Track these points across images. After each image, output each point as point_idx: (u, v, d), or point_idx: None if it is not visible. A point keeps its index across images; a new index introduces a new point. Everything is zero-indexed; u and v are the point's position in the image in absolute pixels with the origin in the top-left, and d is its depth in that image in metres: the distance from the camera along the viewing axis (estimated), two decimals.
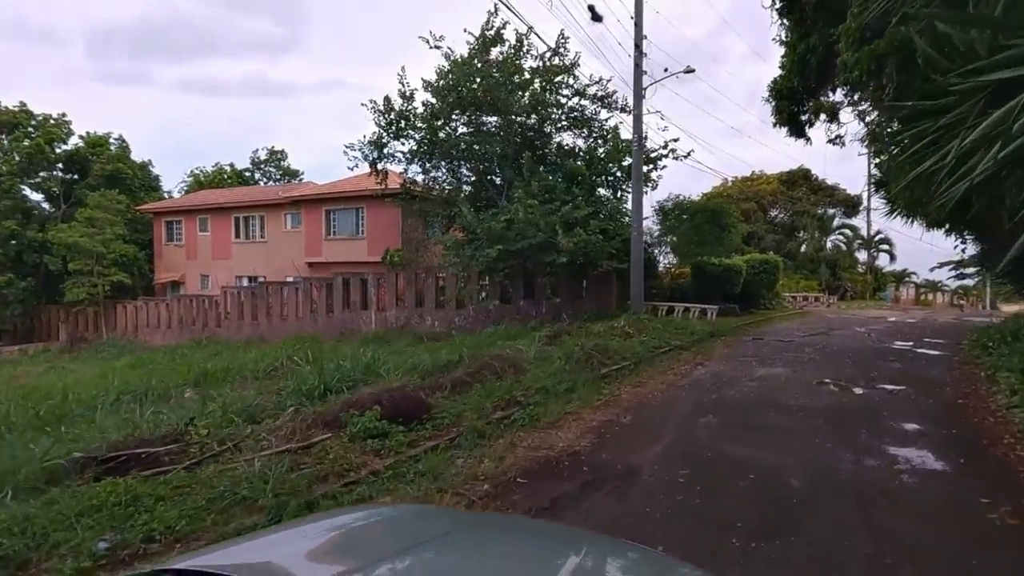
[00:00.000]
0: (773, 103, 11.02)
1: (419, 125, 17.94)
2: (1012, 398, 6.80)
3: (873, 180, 13.95)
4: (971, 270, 56.28)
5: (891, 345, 13.10)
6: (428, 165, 19.18)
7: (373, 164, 18.45)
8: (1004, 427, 6.17)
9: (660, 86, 16.00)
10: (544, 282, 16.14)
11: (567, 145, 18.65)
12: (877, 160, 11.85)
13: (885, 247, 36.71)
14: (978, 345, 10.89)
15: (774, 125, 11.66)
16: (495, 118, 17.89)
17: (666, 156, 17.69)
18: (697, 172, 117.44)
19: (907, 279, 43.19)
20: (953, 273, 50.90)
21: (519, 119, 18.05)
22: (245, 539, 2.11)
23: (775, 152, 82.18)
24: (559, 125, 18.46)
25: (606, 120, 18.20)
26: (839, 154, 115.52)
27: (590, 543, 1.85)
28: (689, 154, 17.22)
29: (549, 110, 17.83)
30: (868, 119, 8.71)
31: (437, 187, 19.50)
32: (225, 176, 37.41)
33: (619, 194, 18.41)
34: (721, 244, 17.21)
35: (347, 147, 18.04)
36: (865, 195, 34.56)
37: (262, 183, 39.09)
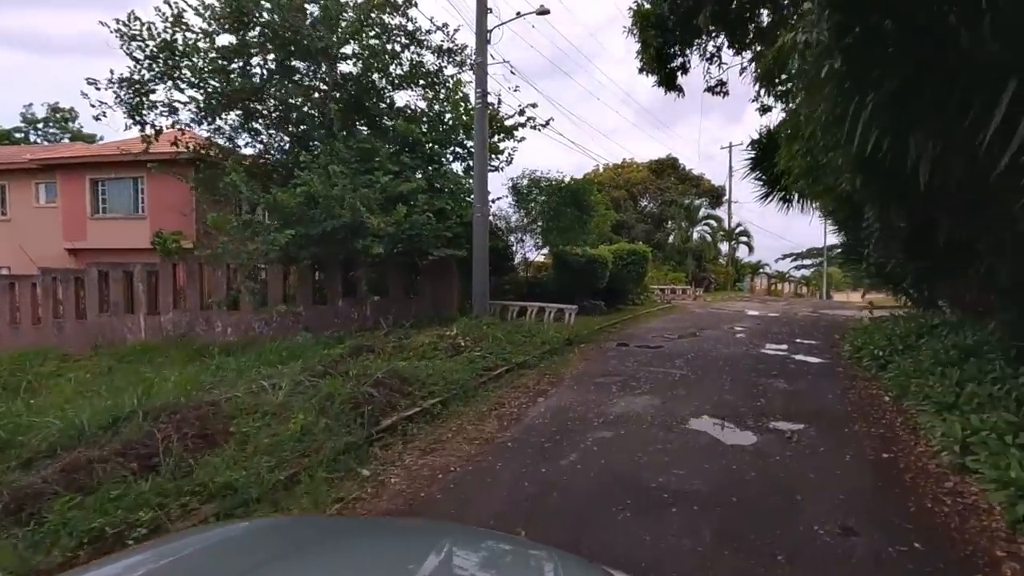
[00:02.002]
0: (637, 34, 8.37)
1: (202, 66, 13.30)
2: (969, 461, 4.51)
3: (749, 158, 12.03)
4: (808, 262, 62.10)
5: (765, 349, 11.29)
6: (221, 121, 14.60)
7: (134, 114, 13.46)
8: (980, 524, 3.78)
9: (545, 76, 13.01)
10: (364, 275, 12.41)
11: (410, 107, 15.07)
12: (771, 108, 9.67)
13: (744, 239, 37.77)
14: (866, 353, 9.16)
15: (640, 71, 9.08)
16: (305, 63, 13.82)
17: (523, 125, 14.83)
18: (583, 161, 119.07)
19: (761, 270, 45.48)
20: (793, 264, 55.45)
21: (340, 67, 14.17)
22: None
23: (648, 137, 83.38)
24: (394, 80, 14.80)
25: (452, 78, 14.90)
26: (703, 153, 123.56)
27: (457, 536, 1.76)
28: (548, 123, 14.52)
29: (381, 58, 14.10)
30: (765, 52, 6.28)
31: (251, 153, 15.05)
32: None
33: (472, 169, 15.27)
34: (584, 231, 14.73)
35: (90, 82, 12.82)
36: (727, 187, 35.06)
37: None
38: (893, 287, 14.72)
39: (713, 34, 7.54)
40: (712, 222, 35.39)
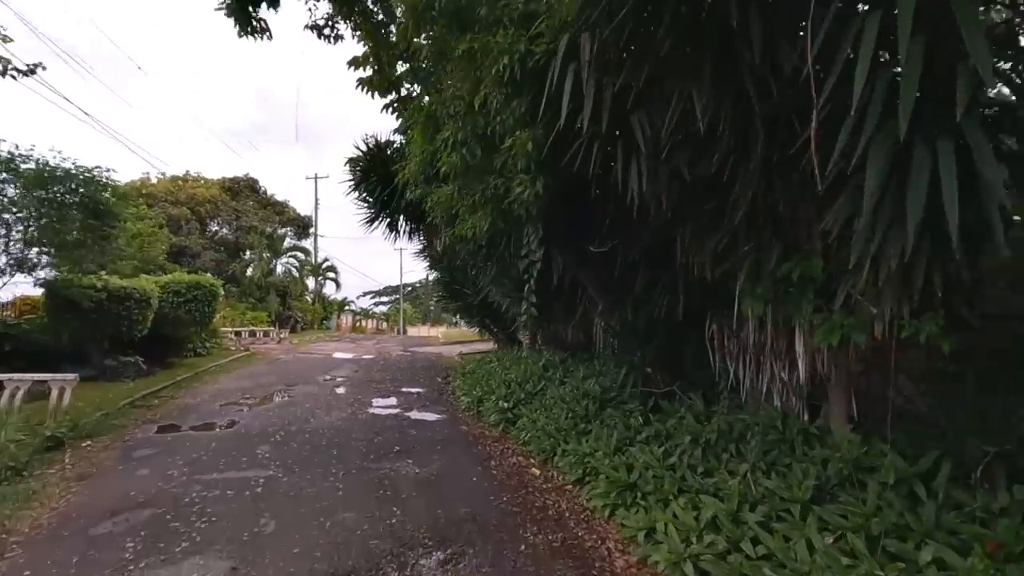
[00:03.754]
0: None
1: None
2: None
3: (357, 169, 9.85)
4: (386, 299, 66.72)
5: (375, 408, 9.12)
6: None
7: None
8: None
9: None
10: None
11: None
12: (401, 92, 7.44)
13: (332, 275, 36.18)
14: (489, 406, 7.98)
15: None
16: None
17: None
18: (128, 163, 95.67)
19: (347, 307, 45.08)
20: (373, 301, 58.28)
21: None
22: None
23: (226, 151, 73.04)
24: None
25: None
26: (287, 187, 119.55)
27: None
28: (35, 69, 8.75)
29: None
30: None
31: None
32: None
33: None
34: (106, 251, 9.49)
35: None
36: (314, 218, 32.85)
37: None
38: (480, 324, 15.17)
39: None
40: (299, 255, 32.31)
